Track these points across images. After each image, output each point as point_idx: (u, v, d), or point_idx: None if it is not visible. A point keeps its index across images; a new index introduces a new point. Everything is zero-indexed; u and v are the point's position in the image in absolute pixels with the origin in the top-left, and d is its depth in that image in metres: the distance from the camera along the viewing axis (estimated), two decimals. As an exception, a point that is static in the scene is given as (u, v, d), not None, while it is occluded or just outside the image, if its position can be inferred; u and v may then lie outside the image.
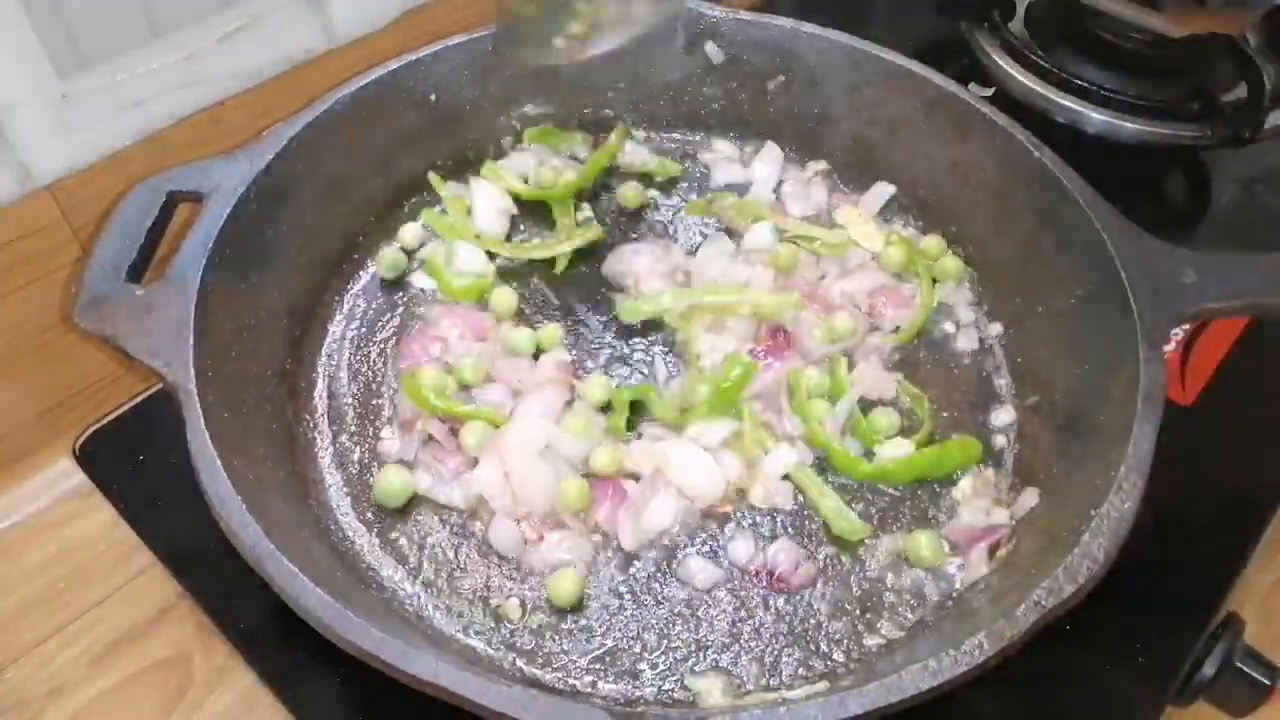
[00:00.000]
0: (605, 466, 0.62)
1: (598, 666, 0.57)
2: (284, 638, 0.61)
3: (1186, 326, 0.77)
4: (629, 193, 0.80)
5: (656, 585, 0.61)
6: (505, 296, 0.72)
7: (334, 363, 0.70)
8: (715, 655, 0.58)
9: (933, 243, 0.76)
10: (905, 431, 0.67)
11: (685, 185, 0.82)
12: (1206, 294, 0.60)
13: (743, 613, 0.60)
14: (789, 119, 0.82)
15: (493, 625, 0.59)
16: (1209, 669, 0.63)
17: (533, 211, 0.79)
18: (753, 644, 0.58)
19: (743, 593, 0.60)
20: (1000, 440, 0.67)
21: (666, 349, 0.71)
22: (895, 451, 0.64)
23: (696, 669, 0.57)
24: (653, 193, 0.81)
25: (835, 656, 0.58)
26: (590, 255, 0.76)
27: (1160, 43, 0.93)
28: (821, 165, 0.82)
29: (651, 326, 0.72)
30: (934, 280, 0.74)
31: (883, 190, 0.79)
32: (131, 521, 0.67)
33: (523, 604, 0.59)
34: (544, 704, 0.45)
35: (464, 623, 0.59)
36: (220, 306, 0.60)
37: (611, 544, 0.62)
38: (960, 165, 0.74)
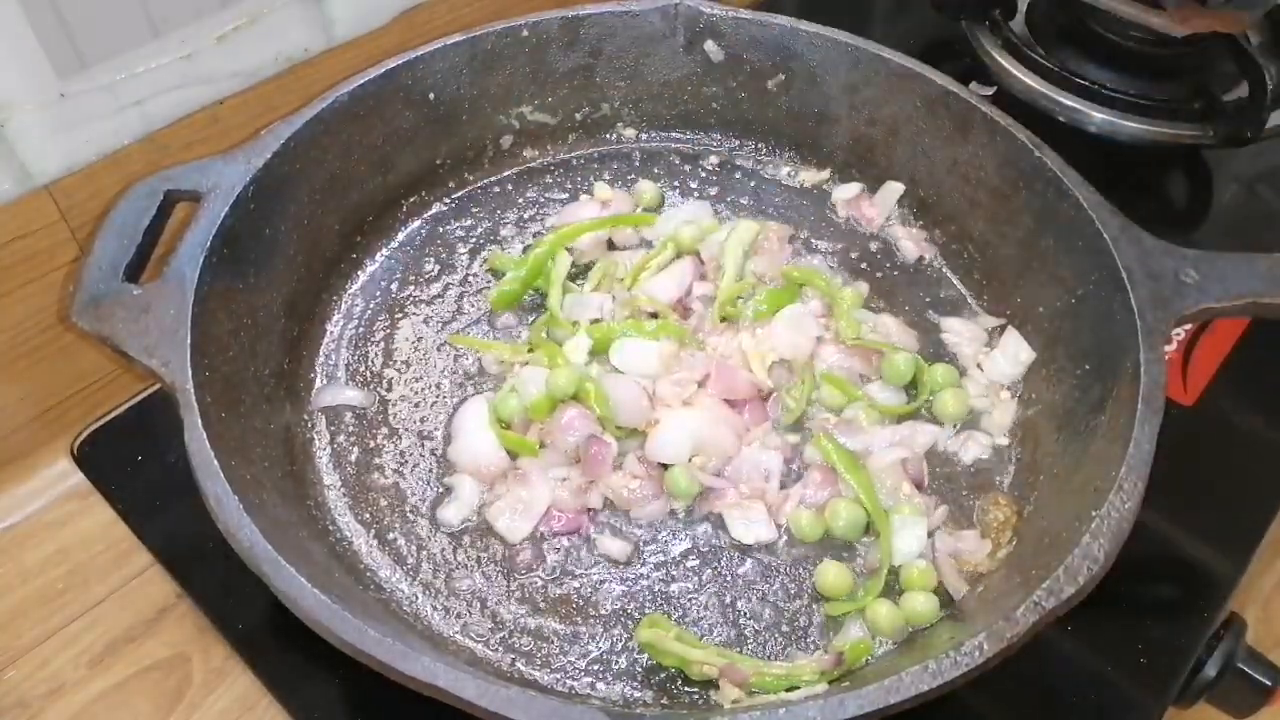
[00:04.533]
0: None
1: (596, 668, 0.57)
2: (282, 638, 0.61)
3: (1188, 327, 0.76)
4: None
5: (655, 586, 0.60)
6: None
7: (332, 363, 0.70)
8: (714, 656, 0.57)
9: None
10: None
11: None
12: (1208, 294, 0.60)
13: (741, 612, 0.59)
14: (789, 118, 0.82)
15: (491, 626, 0.58)
16: (1211, 670, 0.63)
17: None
18: (752, 644, 0.58)
19: (740, 593, 0.60)
20: (1000, 441, 0.67)
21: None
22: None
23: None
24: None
25: (835, 657, 0.57)
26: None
27: (1162, 42, 0.93)
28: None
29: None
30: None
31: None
32: (130, 522, 0.67)
33: (521, 604, 0.59)
34: (542, 705, 0.45)
35: (462, 623, 0.58)
36: (218, 306, 0.60)
37: (609, 545, 0.62)
38: (961, 164, 0.74)
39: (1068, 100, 0.94)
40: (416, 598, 0.59)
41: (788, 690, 0.54)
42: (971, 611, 0.57)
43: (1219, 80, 0.93)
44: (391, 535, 0.62)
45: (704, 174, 0.83)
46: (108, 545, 0.68)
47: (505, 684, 0.46)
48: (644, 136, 0.85)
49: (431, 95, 0.75)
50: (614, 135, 0.85)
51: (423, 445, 0.66)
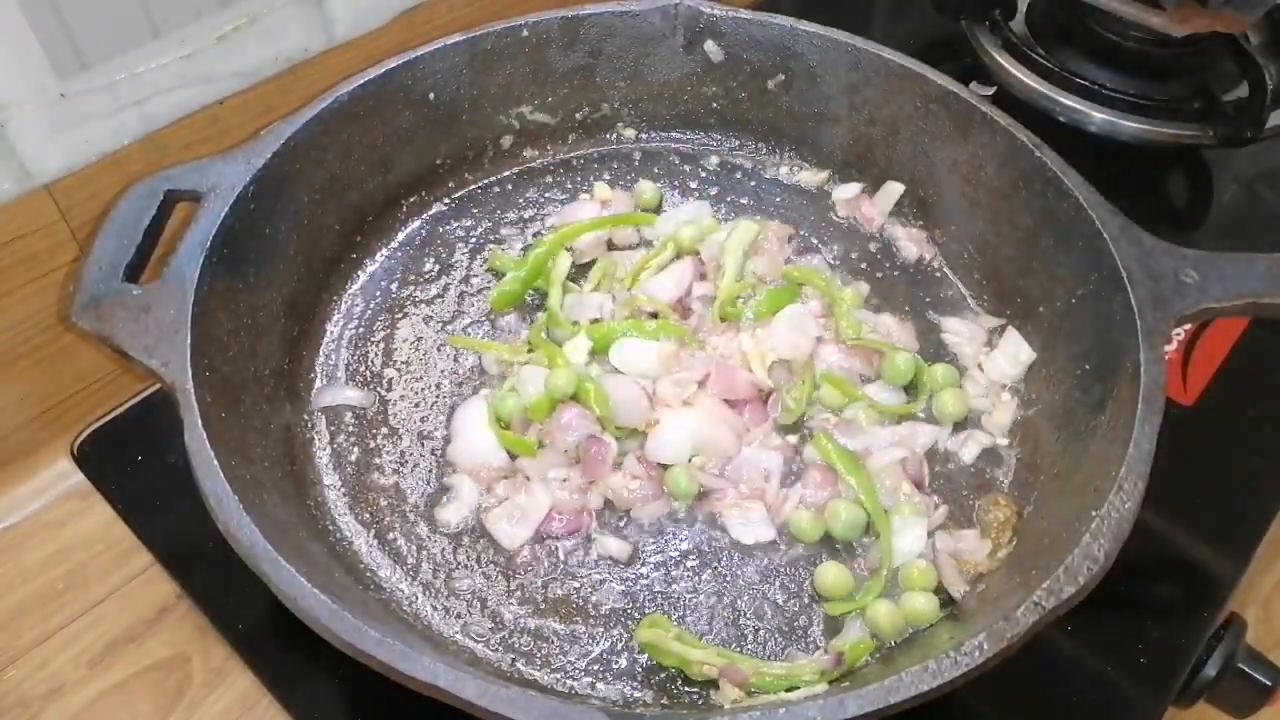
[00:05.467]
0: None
1: (596, 667, 0.57)
2: (282, 638, 0.61)
3: (1188, 326, 0.76)
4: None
5: (655, 586, 0.60)
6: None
7: (332, 363, 0.70)
8: (714, 656, 0.57)
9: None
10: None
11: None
12: (1208, 294, 0.60)
13: (741, 612, 0.59)
14: (789, 118, 0.82)
15: (491, 626, 0.58)
16: (1211, 670, 0.63)
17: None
18: (751, 644, 0.58)
19: (740, 593, 0.60)
20: (1000, 440, 0.67)
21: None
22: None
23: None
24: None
25: (835, 657, 0.57)
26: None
27: (1162, 42, 0.93)
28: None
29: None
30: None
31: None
32: (130, 522, 0.67)
33: (521, 605, 0.59)
34: (541, 705, 0.45)
35: (462, 623, 0.58)
36: (218, 306, 0.60)
37: (609, 545, 0.62)
38: (961, 164, 0.74)
39: (1068, 100, 0.94)
40: (416, 598, 0.59)
41: (788, 690, 0.54)
42: (971, 611, 0.57)
43: (1219, 80, 0.94)
44: (391, 535, 0.62)
45: (704, 174, 0.83)
46: (108, 545, 0.68)
47: (505, 684, 0.46)
48: (644, 136, 0.85)
49: (431, 95, 0.75)
50: (614, 135, 0.85)
51: (423, 445, 0.66)
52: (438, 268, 0.76)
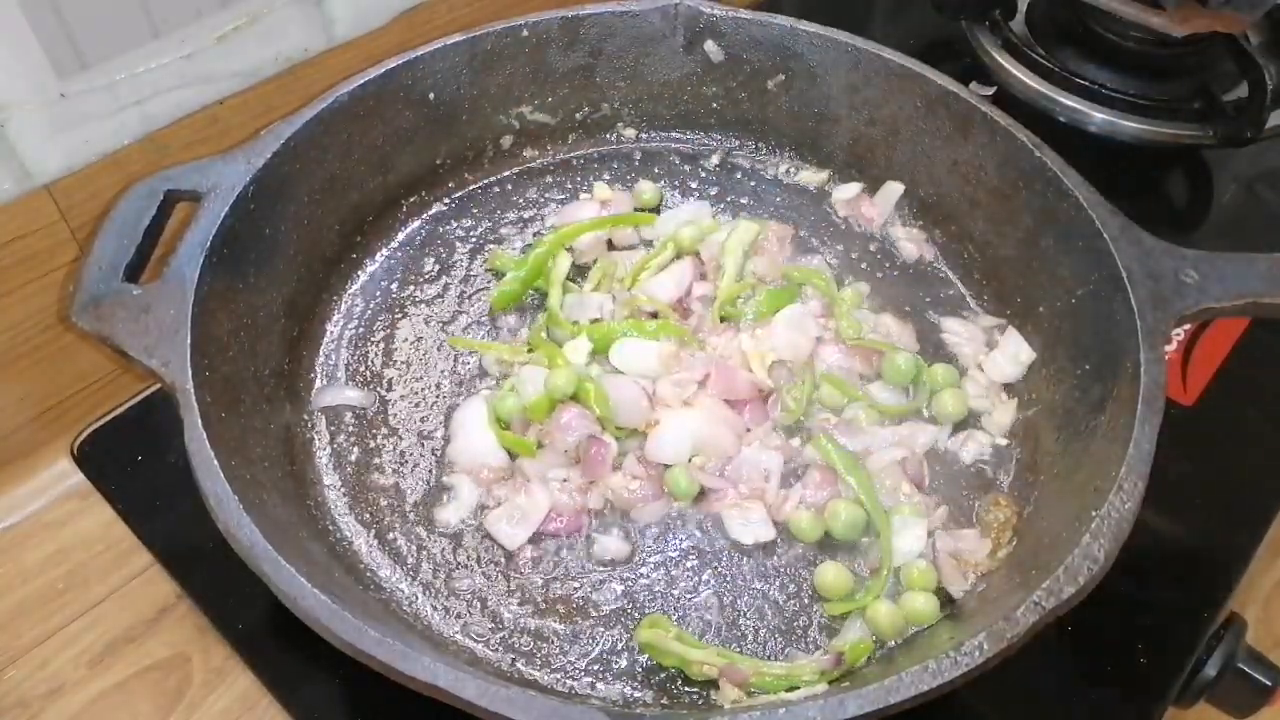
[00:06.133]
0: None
1: (596, 667, 0.57)
2: (283, 638, 0.61)
3: (1188, 326, 0.76)
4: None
5: (655, 586, 0.60)
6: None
7: (332, 363, 0.70)
8: (714, 656, 0.57)
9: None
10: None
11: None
12: (1208, 294, 0.60)
13: (741, 612, 0.59)
14: (789, 118, 0.82)
15: (491, 626, 0.58)
16: (1211, 670, 0.63)
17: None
18: (750, 644, 0.58)
19: (740, 593, 0.60)
20: (1000, 440, 0.67)
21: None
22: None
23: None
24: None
25: (835, 657, 0.57)
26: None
27: (1162, 42, 0.93)
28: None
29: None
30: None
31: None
32: (130, 522, 0.67)
33: (521, 604, 0.59)
34: (541, 705, 0.45)
35: (462, 623, 0.58)
36: (218, 306, 0.60)
37: (609, 545, 0.62)
38: (961, 164, 0.74)
39: (1068, 100, 0.94)
40: (416, 598, 0.59)
41: (788, 690, 0.54)
42: (971, 611, 0.57)
43: (1219, 80, 0.94)
44: (391, 535, 0.62)
45: (704, 174, 0.83)
46: (108, 545, 0.68)
47: (505, 684, 0.46)
48: (644, 136, 0.85)
49: (431, 95, 0.75)
50: (614, 135, 0.85)
51: (423, 445, 0.66)
52: (438, 268, 0.76)
